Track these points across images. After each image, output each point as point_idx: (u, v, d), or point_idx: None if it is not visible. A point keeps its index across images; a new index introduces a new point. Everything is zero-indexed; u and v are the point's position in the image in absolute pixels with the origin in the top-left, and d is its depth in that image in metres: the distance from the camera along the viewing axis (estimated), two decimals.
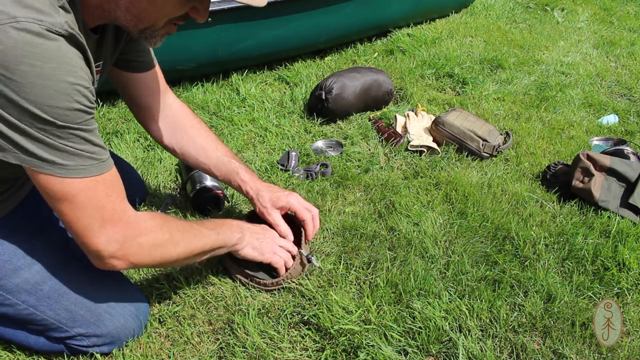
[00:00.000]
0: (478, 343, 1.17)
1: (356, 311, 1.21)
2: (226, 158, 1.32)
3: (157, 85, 1.25)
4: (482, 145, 1.83)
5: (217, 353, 1.14)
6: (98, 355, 1.09)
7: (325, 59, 2.55)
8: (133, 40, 1.10)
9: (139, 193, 1.53)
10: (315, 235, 1.41)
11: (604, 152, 1.80)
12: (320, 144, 1.90)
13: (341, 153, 1.86)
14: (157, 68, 1.25)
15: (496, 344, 1.18)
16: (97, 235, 0.89)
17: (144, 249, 0.95)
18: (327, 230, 1.49)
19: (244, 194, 1.33)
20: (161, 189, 1.64)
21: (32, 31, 0.73)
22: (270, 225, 1.31)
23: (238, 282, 1.29)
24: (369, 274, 1.34)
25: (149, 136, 1.86)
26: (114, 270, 0.95)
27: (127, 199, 0.95)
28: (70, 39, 0.79)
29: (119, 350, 1.11)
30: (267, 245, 1.25)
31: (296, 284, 1.28)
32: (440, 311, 1.22)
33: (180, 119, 1.31)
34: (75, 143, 0.83)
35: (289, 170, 1.74)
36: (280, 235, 1.30)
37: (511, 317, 1.24)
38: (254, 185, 1.31)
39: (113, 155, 1.51)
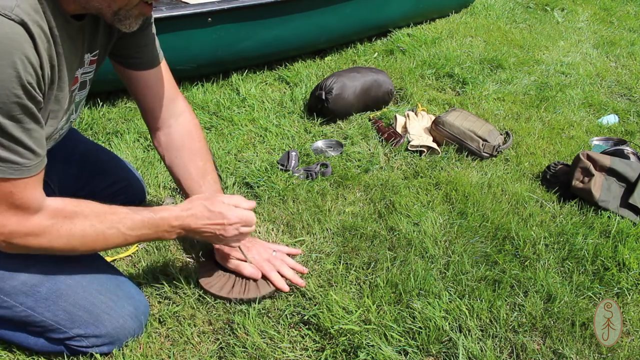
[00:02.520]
0: (478, 343, 1.17)
1: (356, 311, 1.21)
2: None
3: (161, 89, 1.22)
4: (482, 145, 1.83)
5: (217, 353, 1.14)
6: (98, 356, 1.08)
7: (325, 59, 2.55)
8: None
9: (138, 193, 1.53)
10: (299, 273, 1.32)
11: (604, 152, 1.80)
12: (320, 144, 1.90)
13: (341, 153, 1.86)
14: (164, 70, 1.21)
15: (496, 344, 1.18)
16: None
17: (30, 249, 0.91)
18: (327, 230, 1.49)
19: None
20: (161, 189, 1.64)
21: None
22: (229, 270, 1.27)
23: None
24: (369, 274, 1.34)
25: (149, 136, 1.86)
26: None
27: (42, 193, 0.90)
28: (22, 25, 0.74)
29: (119, 350, 1.11)
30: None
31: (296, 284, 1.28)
32: (440, 311, 1.22)
33: (180, 137, 1.25)
34: (2, 141, 0.79)
35: (289, 170, 1.74)
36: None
37: (511, 317, 1.24)
38: None
39: (113, 156, 1.52)
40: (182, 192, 1.27)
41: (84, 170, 1.35)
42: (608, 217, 1.57)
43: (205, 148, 1.29)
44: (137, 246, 1.39)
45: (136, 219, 1.01)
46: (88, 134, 1.93)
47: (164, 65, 1.22)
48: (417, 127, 1.97)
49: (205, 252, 1.35)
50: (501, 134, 1.92)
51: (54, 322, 1.03)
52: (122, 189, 1.46)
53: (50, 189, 1.23)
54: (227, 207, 1.11)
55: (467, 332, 1.19)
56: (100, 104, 2.09)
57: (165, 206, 1.12)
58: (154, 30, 1.17)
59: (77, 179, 1.33)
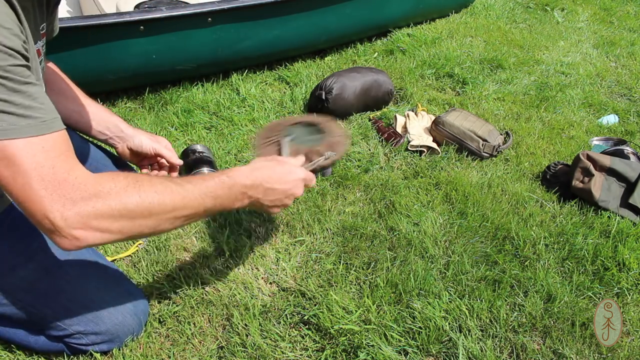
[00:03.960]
0: (478, 343, 1.17)
1: (356, 311, 1.21)
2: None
3: None
4: (482, 145, 1.83)
5: (217, 353, 1.14)
6: (98, 355, 1.09)
7: (325, 59, 2.55)
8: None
9: None
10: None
11: (604, 152, 1.80)
12: None
13: None
14: None
15: (496, 344, 1.18)
16: (40, 199, 0.74)
17: (104, 214, 0.77)
18: (327, 230, 1.49)
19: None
20: None
21: None
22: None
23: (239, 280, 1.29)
24: (369, 274, 1.34)
25: None
26: (84, 245, 0.78)
27: (78, 161, 0.80)
28: None
29: (119, 350, 1.11)
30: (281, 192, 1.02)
31: (296, 284, 1.28)
32: (440, 311, 1.22)
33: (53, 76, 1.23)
34: (8, 96, 0.71)
35: None
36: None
37: (511, 317, 1.24)
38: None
39: (110, 153, 1.52)
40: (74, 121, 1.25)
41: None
42: (608, 217, 1.57)
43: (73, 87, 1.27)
44: (137, 246, 1.39)
45: (208, 181, 0.91)
46: None
47: None
48: (417, 127, 1.97)
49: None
50: (501, 134, 1.92)
51: (53, 319, 1.03)
52: None
53: None
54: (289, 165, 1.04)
55: (467, 332, 1.19)
56: (100, 104, 2.08)
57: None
58: None
59: None
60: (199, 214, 0.90)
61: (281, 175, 1.00)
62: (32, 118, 0.74)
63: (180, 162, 1.37)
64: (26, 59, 0.77)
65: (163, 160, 1.35)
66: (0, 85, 0.71)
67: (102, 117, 1.30)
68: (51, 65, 1.25)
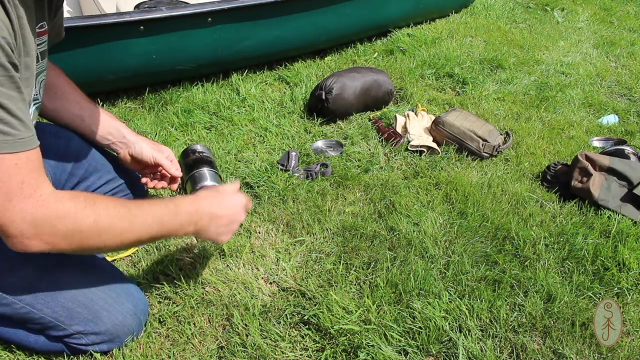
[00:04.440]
0: (478, 343, 1.17)
1: (356, 311, 1.21)
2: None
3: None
4: (482, 145, 1.83)
5: (217, 353, 1.14)
6: (98, 355, 1.09)
7: (325, 59, 2.55)
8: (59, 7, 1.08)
9: (138, 191, 1.52)
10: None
11: (604, 152, 1.80)
12: (320, 144, 1.90)
13: (341, 153, 1.86)
14: None
15: (496, 344, 1.18)
16: (3, 210, 0.79)
17: (59, 232, 0.85)
18: (327, 230, 1.49)
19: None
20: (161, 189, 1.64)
21: None
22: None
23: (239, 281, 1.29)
24: (369, 274, 1.34)
25: (148, 137, 1.86)
26: (31, 252, 0.85)
27: (47, 179, 0.86)
28: None
29: (119, 350, 1.11)
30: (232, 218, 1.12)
31: (296, 284, 1.28)
32: (440, 311, 1.22)
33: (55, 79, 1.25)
34: None
35: (289, 170, 1.73)
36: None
37: (511, 317, 1.24)
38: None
39: (109, 153, 1.52)
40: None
41: (78, 167, 1.34)
42: (608, 217, 1.57)
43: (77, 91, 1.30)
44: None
45: (156, 208, 0.98)
46: None
47: None
48: (417, 127, 1.97)
49: None
50: (501, 134, 1.92)
51: (53, 319, 1.03)
52: (121, 186, 1.46)
53: None
54: (230, 193, 1.13)
55: (467, 332, 1.19)
56: (100, 104, 2.08)
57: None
58: None
59: (71, 175, 1.32)
60: (144, 239, 0.98)
61: (223, 202, 1.10)
62: (9, 135, 0.78)
63: (180, 174, 1.38)
64: (15, 68, 0.79)
65: (164, 171, 1.35)
66: None
67: (105, 122, 1.30)
68: (55, 68, 1.25)
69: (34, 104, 1.01)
